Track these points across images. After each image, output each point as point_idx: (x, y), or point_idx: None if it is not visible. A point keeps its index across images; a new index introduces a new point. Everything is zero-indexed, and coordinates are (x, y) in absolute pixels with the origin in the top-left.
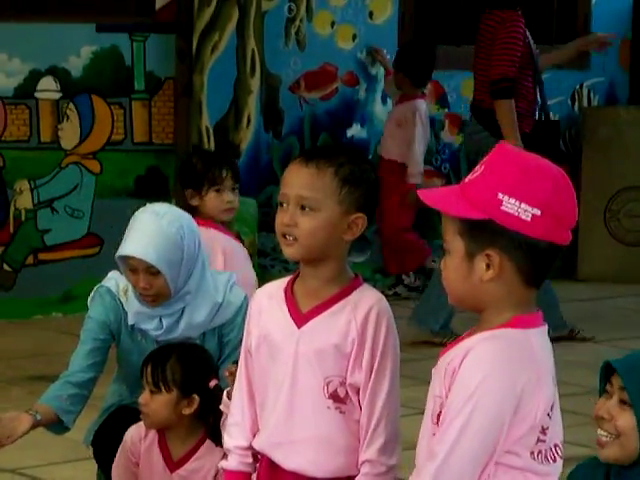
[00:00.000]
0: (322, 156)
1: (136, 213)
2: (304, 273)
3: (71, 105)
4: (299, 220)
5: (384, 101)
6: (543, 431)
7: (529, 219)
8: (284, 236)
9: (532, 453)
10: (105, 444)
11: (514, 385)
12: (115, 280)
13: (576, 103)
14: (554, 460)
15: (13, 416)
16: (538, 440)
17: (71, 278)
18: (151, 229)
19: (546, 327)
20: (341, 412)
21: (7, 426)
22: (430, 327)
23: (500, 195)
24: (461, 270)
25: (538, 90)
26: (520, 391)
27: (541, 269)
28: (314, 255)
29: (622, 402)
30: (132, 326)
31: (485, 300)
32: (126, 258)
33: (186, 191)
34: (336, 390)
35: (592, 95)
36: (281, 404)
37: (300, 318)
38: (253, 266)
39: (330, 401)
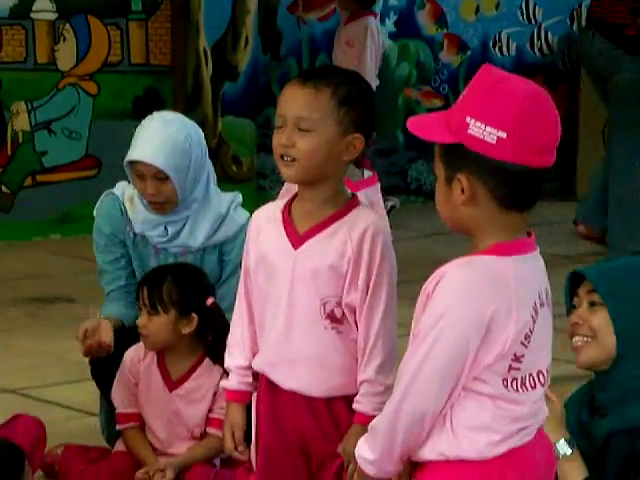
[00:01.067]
0: (319, 76)
1: (143, 121)
2: (302, 195)
3: (67, 26)
4: (297, 141)
5: (382, 22)
6: (517, 359)
7: (494, 142)
8: (282, 157)
9: (504, 380)
10: (102, 363)
11: (482, 312)
12: (122, 189)
13: (575, 22)
14: (533, 387)
15: (95, 325)
16: (510, 368)
17: (69, 200)
18: (160, 135)
19: (535, 253)
20: (338, 332)
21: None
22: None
23: (467, 118)
24: (443, 194)
25: None
26: (488, 318)
27: (521, 193)
28: (312, 176)
29: (593, 304)
30: (134, 233)
31: (467, 224)
32: (134, 164)
33: None
34: (333, 310)
35: None
36: (279, 324)
37: (297, 239)
38: (251, 187)
39: (327, 321)
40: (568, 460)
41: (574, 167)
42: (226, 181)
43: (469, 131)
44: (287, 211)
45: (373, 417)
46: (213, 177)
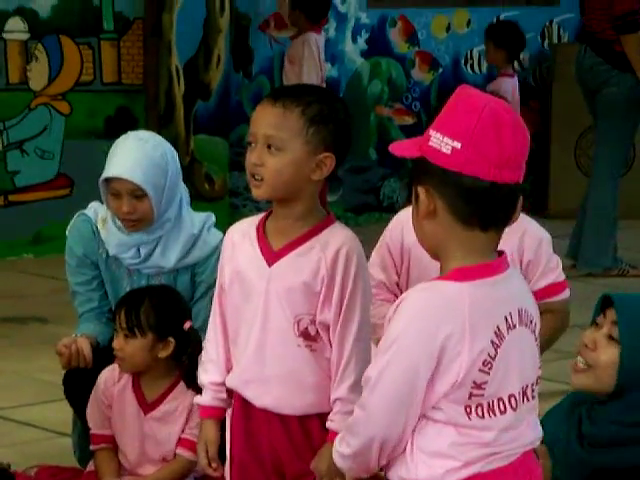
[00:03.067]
0: (290, 95)
1: (118, 140)
2: (275, 212)
3: (39, 46)
4: (266, 160)
5: (354, 40)
6: (478, 386)
7: (449, 152)
8: (252, 176)
9: (467, 407)
10: (76, 383)
11: (432, 339)
12: (94, 209)
13: (546, 39)
14: (503, 412)
15: (72, 339)
16: (472, 395)
17: (42, 220)
18: (136, 152)
19: (506, 274)
20: (312, 350)
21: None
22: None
23: (431, 131)
24: (413, 211)
25: None
26: (439, 346)
27: (481, 209)
28: (281, 195)
29: (610, 337)
30: (107, 254)
31: (431, 242)
32: (110, 182)
33: None
34: (307, 328)
35: (562, 31)
36: (252, 342)
37: (271, 256)
38: (224, 205)
39: (300, 339)
40: None
41: (547, 183)
42: (199, 199)
43: (429, 143)
44: (262, 228)
45: None
46: (186, 198)
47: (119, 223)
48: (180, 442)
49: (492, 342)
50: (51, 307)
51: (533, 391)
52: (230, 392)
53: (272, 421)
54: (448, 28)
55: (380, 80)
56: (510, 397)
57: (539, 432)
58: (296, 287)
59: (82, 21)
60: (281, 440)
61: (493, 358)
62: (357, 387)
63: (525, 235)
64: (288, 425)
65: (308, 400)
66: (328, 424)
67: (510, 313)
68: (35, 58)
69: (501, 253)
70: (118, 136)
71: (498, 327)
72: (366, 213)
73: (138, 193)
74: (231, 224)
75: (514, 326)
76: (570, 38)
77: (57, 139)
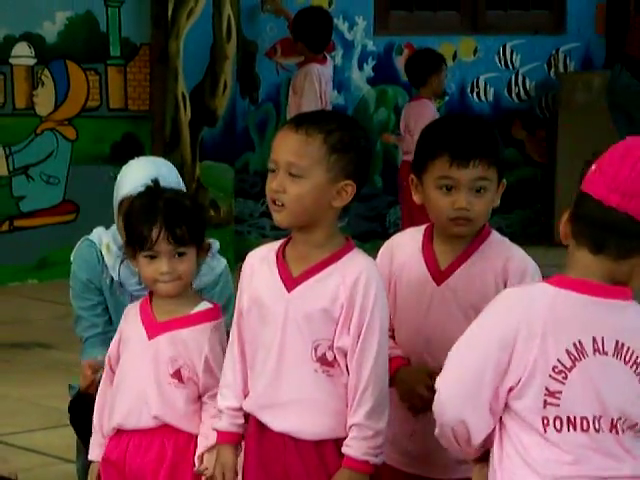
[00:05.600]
0: (312, 122)
1: (129, 162)
2: (295, 238)
3: (46, 71)
4: (287, 186)
5: (361, 67)
6: (552, 394)
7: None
8: (273, 202)
9: (544, 419)
10: (82, 410)
11: (507, 331)
12: (99, 235)
13: (552, 68)
14: (582, 430)
15: (99, 364)
16: (546, 404)
17: (47, 245)
18: (152, 172)
19: (612, 302)
20: (329, 375)
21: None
22: None
23: None
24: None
25: None
26: (512, 338)
27: (591, 232)
28: (302, 221)
29: None
30: (111, 279)
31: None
32: (125, 203)
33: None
34: (324, 354)
35: (568, 60)
36: (269, 367)
37: (290, 282)
38: (230, 232)
39: (317, 364)
40: None
41: (552, 212)
42: None
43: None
44: (281, 254)
45: (362, 461)
46: None
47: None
48: None
49: (568, 352)
50: (55, 333)
51: (625, 425)
52: (247, 417)
53: (287, 446)
54: (454, 56)
55: (386, 107)
56: (582, 419)
57: None
58: (315, 313)
59: (89, 47)
60: (295, 465)
61: (568, 370)
62: (374, 413)
63: (509, 261)
64: (303, 450)
65: (325, 426)
66: (344, 449)
67: (603, 338)
68: (41, 83)
69: (624, 285)
70: (124, 162)
71: (580, 342)
72: (372, 240)
73: None
74: (236, 251)
75: (604, 352)
76: (576, 67)
77: (63, 164)
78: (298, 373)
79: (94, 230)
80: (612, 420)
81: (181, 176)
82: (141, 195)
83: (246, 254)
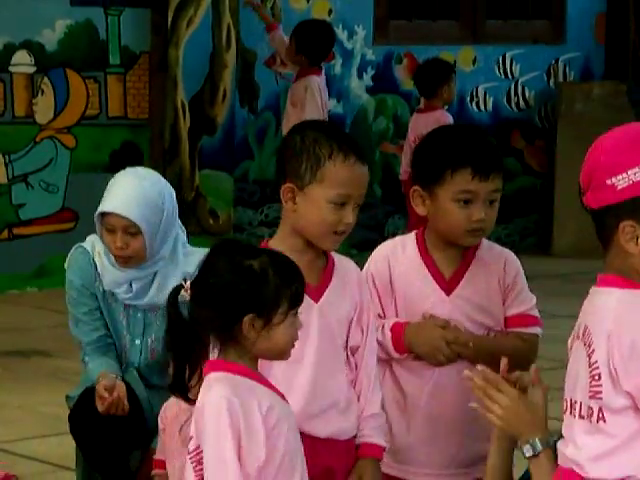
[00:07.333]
0: (362, 151)
1: (116, 175)
2: (303, 250)
3: (46, 79)
4: (354, 218)
5: (360, 76)
6: None
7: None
8: (342, 233)
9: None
10: (82, 420)
11: None
12: (92, 242)
13: (552, 78)
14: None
15: (112, 383)
16: None
17: (46, 253)
18: (134, 189)
19: (600, 289)
20: (346, 375)
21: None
22: None
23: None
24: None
25: None
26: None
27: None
28: None
29: None
30: (104, 288)
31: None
32: (105, 216)
33: None
34: (347, 356)
35: (568, 70)
36: (305, 378)
37: (313, 292)
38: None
39: (346, 367)
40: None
41: (551, 222)
42: (203, 234)
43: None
44: None
45: (384, 449)
46: (182, 236)
47: (112, 259)
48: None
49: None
50: (54, 341)
51: (581, 411)
52: None
53: (336, 448)
54: (454, 66)
55: (385, 117)
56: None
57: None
58: (342, 318)
59: (88, 55)
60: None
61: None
62: (381, 401)
63: (507, 263)
64: (345, 449)
65: (353, 423)
66: (367, 439)
67: (580, 323)
68: (41, 92)
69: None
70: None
71: (579, 327)
72: (370, 249)
73: (132, 230)
74: None
75: (577, 336)
76: (576, 77)
77: (62, 172)
78: (332, 379)
79: (87, 238)
80: (574, 403)
81: (180, 185)
82: None
83: None
